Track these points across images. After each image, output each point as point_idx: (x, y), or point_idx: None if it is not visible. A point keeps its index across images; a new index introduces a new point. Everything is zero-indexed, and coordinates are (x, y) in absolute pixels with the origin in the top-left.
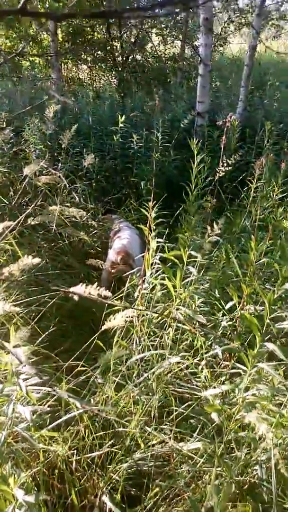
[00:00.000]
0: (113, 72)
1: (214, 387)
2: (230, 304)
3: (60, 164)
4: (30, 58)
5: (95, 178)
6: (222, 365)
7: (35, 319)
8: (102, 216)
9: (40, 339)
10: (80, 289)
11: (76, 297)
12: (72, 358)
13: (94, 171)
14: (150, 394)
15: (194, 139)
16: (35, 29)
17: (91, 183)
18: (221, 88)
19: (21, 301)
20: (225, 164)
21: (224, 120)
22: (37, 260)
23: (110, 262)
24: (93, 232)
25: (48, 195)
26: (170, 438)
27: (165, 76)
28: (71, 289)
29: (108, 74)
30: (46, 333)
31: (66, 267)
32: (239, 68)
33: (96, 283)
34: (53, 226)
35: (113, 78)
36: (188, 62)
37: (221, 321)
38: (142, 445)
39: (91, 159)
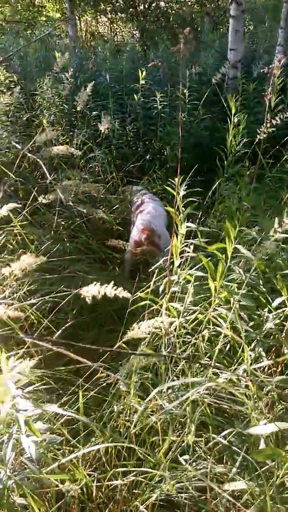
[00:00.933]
0: (135, 23)
1: (260, 402)
2: (278, 301)
3: (76, 130)
4: (46, 13)
5: (114, 144)
6: (268, 370)
7: (52, 313)
8: (122, 188)
9: (56, 335)
10: (94, 289)
11: (89, 299)
12: (90, 369)
13: (113, 136)
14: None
15: (227, 94)
16: None
17: (110, 150)
18: (255, 33)
19: (33, 298)
20: (268, 125)
21: (269, 66)
22: (42, 258)
23: (134, 241)
24: (114, 207)
25: (64, 167)
26: (206, 475)
27: (192, 22)
28: (84, 289)
29: (130, 25)
30: (63, 327)
31: (85, 249)
32: (276, 8)
33: (118, 269)
34: (69, 203)
35: (135, 29)
36: (217, 4)
37: (267, 320)
38: (171, 487)
39: (108, 124)
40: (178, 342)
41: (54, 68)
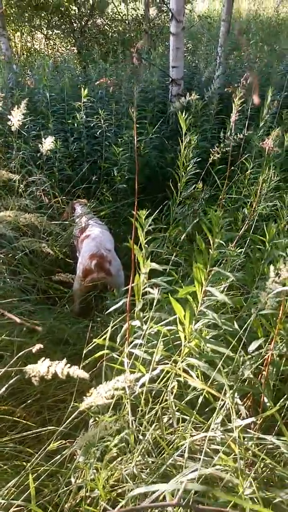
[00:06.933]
0: (72, 40)
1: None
2: (255, 345)
3: (14, 152)
4: None
5: (57, 166)
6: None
7: None
8: (69, 204)
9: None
10: (42, 367)
11: (36, 381)
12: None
13: (56, 158)
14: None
15: (172, 111)
16: None
17: (53, 172)
18: (195, 50)
19: None
20: (221, 145)
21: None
22: None
23: (82, 270)
24: (59, 236)
25: (1, 194)
26: None
27: (131, 40)
28: (28, 368)
29: (67, 42)
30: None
31: (29, 286)
32: (210, 26)
33: (68, 307)
34: (7, 234)
35: (73, 46)
36: (153, 24)
37: (243, 364)
38: None
39: (50, 144)
40: (145, 400)
41: None
